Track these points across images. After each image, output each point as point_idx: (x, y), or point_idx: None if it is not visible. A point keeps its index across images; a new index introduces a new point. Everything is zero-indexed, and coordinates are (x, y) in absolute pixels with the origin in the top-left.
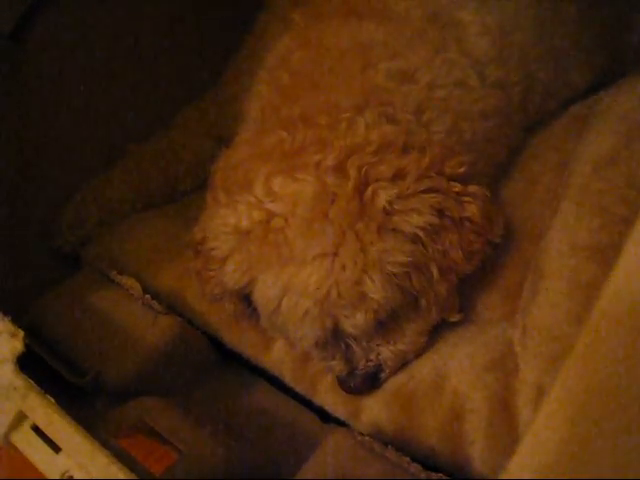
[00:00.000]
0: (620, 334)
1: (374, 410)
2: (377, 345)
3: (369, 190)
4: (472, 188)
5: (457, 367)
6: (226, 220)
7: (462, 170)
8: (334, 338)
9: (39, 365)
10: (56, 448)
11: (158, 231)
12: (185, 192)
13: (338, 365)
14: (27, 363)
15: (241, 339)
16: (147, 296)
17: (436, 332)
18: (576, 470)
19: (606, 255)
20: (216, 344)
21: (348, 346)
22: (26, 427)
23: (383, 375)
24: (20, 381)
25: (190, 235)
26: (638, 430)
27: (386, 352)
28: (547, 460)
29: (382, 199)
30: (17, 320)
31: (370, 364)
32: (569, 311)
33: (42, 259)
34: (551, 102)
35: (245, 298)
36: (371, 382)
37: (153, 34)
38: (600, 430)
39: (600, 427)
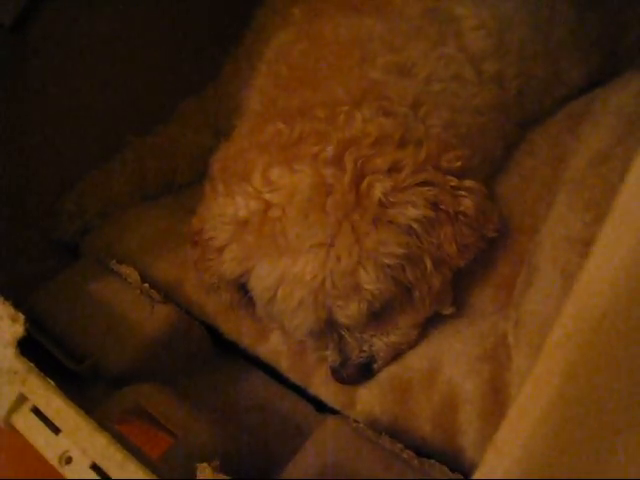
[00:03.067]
0: (598, 316)
1: (369, 400)
2: (370, 336)
3: (365, 182)
4: (468, 182)
5: (451, 358)
6: (224, 210)
7: (458, 164)
8: (328, 328)
9: (39, 352)
10: (55, 430)
11: (157, 221)
12: (184, 184)
13: (331, 355)
14: (27, 349)
15: (238, 329)
16: (145, 285)
17: (430, 323)
18: (554, 452)
19: None
20: (213, 333)
21: (341, 337)
22: (26, 409)
23: (376, 366)
24: (21, 364)
25: (188, 225)
26: (615, 411)
27: (379, 343)
28: (526, 442)
29: (378, 191)
30: (17, 308)
31: (363, 355)
32: (562, 303)
33: (41, 249)
34: (547, 98)
35: (242, 287)
36: (364, 373)
37: (153, 28)
38: (578, 411)
39: (579, 407)
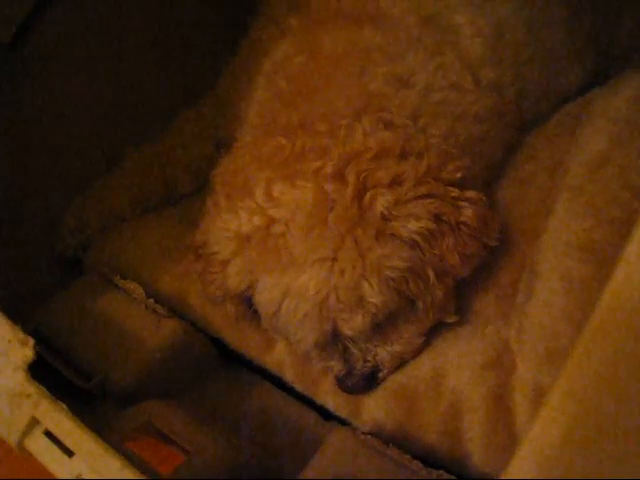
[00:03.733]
0: (620, 335)
1: (374, 409)
2: (375, 346)
3: (367, 196)
4: (469, 193)
5: (455, 366)
6: (227, 225)
7: (459, 175)
8: (333, 340)
9: (46, 370)
10: (69, 452)
11: (159, 234)
12: (185, 195)
13: (337, 365)
14: (35, 365)
15: (243, 340)
16: (150, 300)
17: (434, 332)
18: (575, 471)
19: (599, 255)
20: (218, 345)
21: (346, 347)
22: (38, 433)
23: (380, 375)
24: (32, 388)
25: (191, 238)
26: (638, 431)
27: (383, 353)
28: (546, 461)
29: (380, 205)
30: (21, 327)
31: (368, 365)
32: (564, 309)
33: (44, 265)
34: (544, 103)
35: (246, 300)
36: (369, 382)
37: (151, 40)
38: (600, 432)
39: (600, 429)
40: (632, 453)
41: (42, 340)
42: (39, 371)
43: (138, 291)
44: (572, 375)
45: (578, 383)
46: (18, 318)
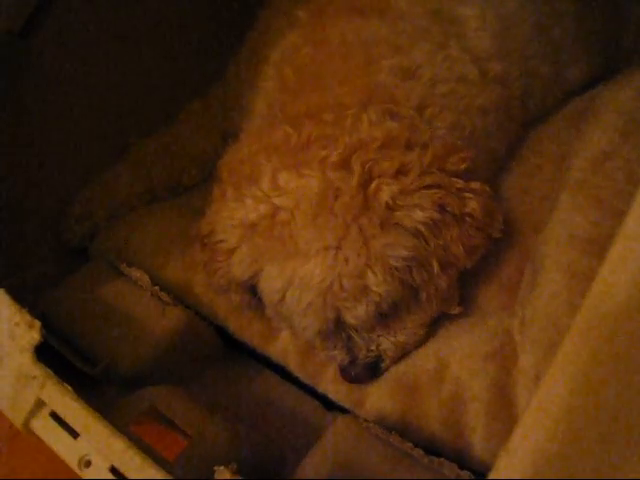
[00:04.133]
0: (606, 335)
1: (377, 398)
2: (378, 336)
3: (373, 186)
4: (473, 184)
5: (458, 356)
6: (233, 213)
7: (464, 166)
8: (336, 329)
9: (52, 355)
10: (74, 434)
11: (165, 223)
12: (191, 185)
13: (340, 355)
14: (41, 351)
15: (247, 329)
16: (156, 288)
17: (437, 322)
18: (568, 458)
19: (603, 247)
20: (223, 334)
21: (350, 337)
22: (44, 414)
23: (383, 365)
24: (38, 370)
25: (197, 228)
26: (630, 418)
27: (386, 343)
28: (540, 446)
29: (385, 195)
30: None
31: (371, 354)
32: (567, 301)
33: (50, 252)
34: (550, 97)
35: (251, 289)
36: (371, 372)
37: (158, 31)
38: (592, 417)
39: (593, 414)
40: (627, 440)
41: (48, 326)
42: (45, 356)
43: (144, 279)
44: (565, 362)
45: (571, 370)
46: (24, 306)
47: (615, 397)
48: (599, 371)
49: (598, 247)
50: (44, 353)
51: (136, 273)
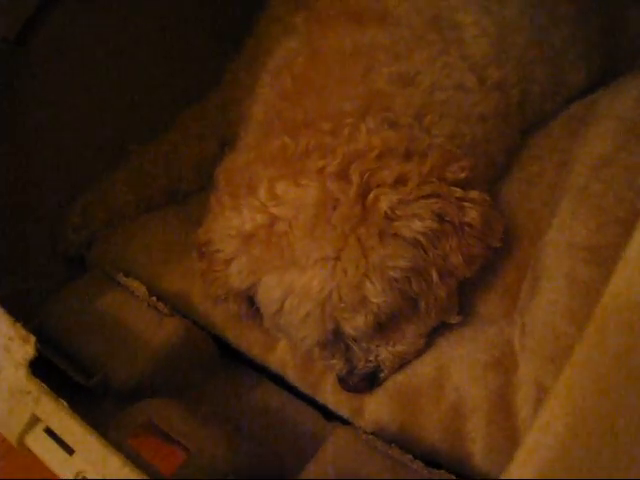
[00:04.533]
0: (620, 337)
1: (377, 408)
2: (376, 346)
3: (371, 196)
4: (473, 193)
5: (458, 365)
6: (230, 223)
7: (463, 175)
8: (335, 339)
9: (47, 367)
10: (69, 450)
11: (162, 232)
12: (189, 192)
13: (338, 364)
14: (36, 362)
15: (246, 339)
16: (153, 298)
17: (436, 331)
18: (576, 471)
19: (603, 255)
20: (220, 344)
21: (348, 346)
22: (39, 430)
23: (382, 375)
24: (33, 385)
25: (194, 237)
26: (638, 431)
27: (385, 353)
28: (548, 460)
29: (384, 205)
30: (24, 324)
31: (369, 364)
32: (567, 310)
33: (47, 262)
34: (549, 103)
35: (249, 299)
36: (370, 382)
37: (155, 37)
38: (600, 431)
39: (601, 428)
40: (632, 454)
41: (44, 337)
42: (40, 368)
43: (141, 289)
44: (573, 376)
45: (578, 385)
46: (20, 316)
47: (628, 406)
48: (614, 380)
49: (597, 255)
50: (39, 366)
51: (133, 283)
